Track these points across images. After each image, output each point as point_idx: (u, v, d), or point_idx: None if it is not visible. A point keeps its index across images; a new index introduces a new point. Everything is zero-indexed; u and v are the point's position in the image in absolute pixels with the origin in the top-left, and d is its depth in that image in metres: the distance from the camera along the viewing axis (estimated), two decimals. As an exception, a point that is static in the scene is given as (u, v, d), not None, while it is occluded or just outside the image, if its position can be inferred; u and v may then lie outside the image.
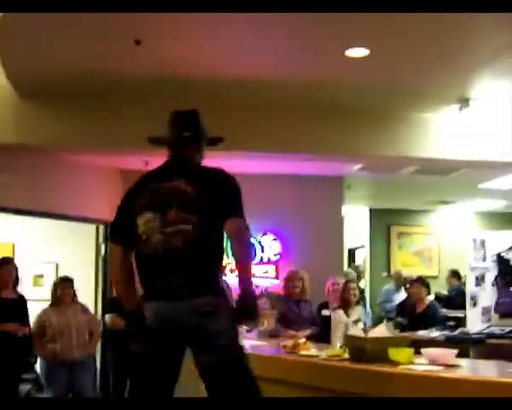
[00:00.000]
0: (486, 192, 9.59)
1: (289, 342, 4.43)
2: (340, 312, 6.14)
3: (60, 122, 6.26)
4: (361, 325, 5.57)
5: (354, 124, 6.60)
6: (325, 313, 6.73)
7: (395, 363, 3.62)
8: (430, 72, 5.54)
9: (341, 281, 6.96)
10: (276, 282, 7.97)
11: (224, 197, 3.22)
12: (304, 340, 4.52)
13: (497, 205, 11.34)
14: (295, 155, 6.93)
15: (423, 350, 3.84)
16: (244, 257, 3.22)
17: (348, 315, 6.11)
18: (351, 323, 5.47)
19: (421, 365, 3.62)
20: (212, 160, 3.46)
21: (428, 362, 3.66)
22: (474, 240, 7.13)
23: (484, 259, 7.19)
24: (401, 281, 9.94)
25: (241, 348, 3.32)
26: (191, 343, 3.22)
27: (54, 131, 6.30)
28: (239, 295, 3.20)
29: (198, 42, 4.94)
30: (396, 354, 3.68)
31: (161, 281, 3.18)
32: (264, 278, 8.00)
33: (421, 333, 6.95)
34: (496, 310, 6.92)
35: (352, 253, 12.90)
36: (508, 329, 6.38)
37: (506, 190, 9.40)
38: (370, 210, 11.90)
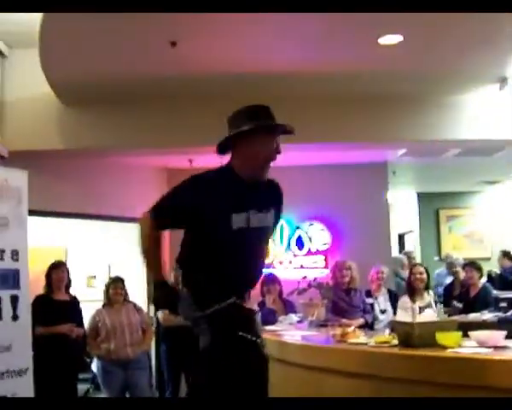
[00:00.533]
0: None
1: (338, 331, 4.48)
2: (406, 298, 6.15)
3: (102, 126, 6.43)
4: (430, 311, 5.47)
5: (394, 110, 6.60)
6: (369, 301, 6.77)
7: (443, 347, 3.65)
8: (467, 53, 5.49)
9: (385, 269, 6.97)
10: (326, 272, 8.00)
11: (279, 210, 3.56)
12: (353, 328, 4.57)
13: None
14: (339, 143, 6.96)
15: (471, 333, 3.85)
16: None
17: (414, 301, 5.97)
18: (417, 309, 5.40)
19: (469, 347, 3.64)
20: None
21: (477, 345, 3.68)
22: None
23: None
24: (453, 265, 9.88)
25: None
26: None
27: (96, 136, 6.46)
28: None
29: (229, 40, 5.02)
30: (443, 338, 3.69)
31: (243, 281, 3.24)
32: (314, 269, 8.05)
33: (473, 316, 6.93)
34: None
35: (401, 238, 12.85)
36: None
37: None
38: (418, 194, 11.84)
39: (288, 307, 6.47)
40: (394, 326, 4.05)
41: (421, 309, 5.28)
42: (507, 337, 3.81)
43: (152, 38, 4.89)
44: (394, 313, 6.06)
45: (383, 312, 6.75)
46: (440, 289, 9.69)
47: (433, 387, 3.50)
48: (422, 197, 11.80)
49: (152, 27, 4.65)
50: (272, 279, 6.69)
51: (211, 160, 7.54)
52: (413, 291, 6.22)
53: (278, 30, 4.82)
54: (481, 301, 7.50)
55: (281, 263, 8.03)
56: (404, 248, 12.44)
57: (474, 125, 6.71)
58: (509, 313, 6.23)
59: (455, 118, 6.70)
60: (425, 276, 6.30)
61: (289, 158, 7.67)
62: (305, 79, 5.95)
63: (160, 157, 7.74)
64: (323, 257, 8.13)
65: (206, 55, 5.29)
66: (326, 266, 8.05)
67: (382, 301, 6.80)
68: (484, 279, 8.43)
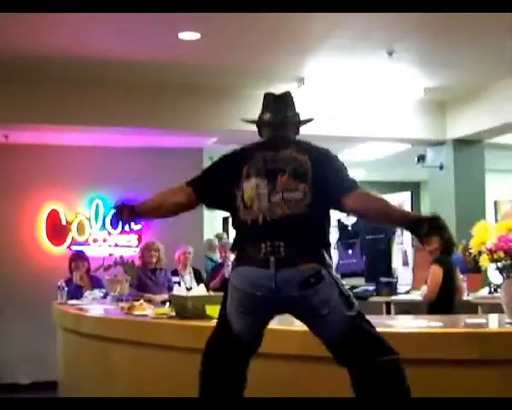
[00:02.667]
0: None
1: (126, 304, 4.85)
2: None
3: None
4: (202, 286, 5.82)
5: (204, 100, 7.05)
6: (175, 279, 7.23)
7: (212, 318, 4.11)
8: (264, 52, 6.04)
9: (191, 249, 7.41)
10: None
11: (334, 172, 3.03)
12: (141, 302, 4.95)
13: (358, 175, 12.10)
14: (150, 129, 7.35)
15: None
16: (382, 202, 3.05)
17: None
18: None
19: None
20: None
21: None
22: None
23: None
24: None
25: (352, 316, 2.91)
26: (295, 314, 3.02)
27: None
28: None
29: (42, 24, 5.23)
30: (212, 310, 4.14)
31: (264, 244, 2.90)
32: (128, 247, 8.34)
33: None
34: (337, 271, 7.58)
35: (225, 221, 13.38)
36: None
37: (359, 161, 10.15)
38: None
39: (95, 283, 6.76)
40: (172, 300, 4.47)
41: None
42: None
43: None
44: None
45: (189, 289, 7.19)
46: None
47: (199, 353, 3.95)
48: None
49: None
50: (80, 256, 6.99)
51: (26, 136, 7.69)
52: None
53: (87, 17, 5.07)
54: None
55: (95, 241, 8.26)
56: (227, 230, 12.97)
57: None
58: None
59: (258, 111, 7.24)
60: None
61: (107, 139, 7.97)
62: (120, 65, 6.29)
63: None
64: (137, 236, 8.43)
65: (17, 37, 5.48)
66: (139, 245, 8.36)
67: (188, 280, 7.26)
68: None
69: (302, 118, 3.40)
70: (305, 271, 2.85)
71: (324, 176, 2.99)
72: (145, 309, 4.74)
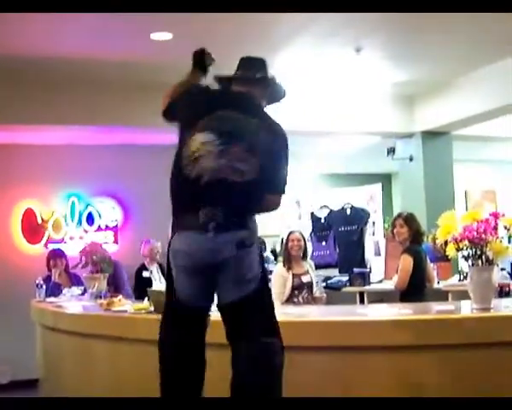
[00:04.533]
0: (312, 156, 10.42)
1: (105, 301, 4.94)
2: (280, 266, 6.11)
3: None
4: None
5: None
6: (146, 274, 7.35)
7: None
8: (236, 52, 6.10)
9: (158, 244, 7.50)
10: (116, 247, 8.38)
11: (277, 165, 3.12)
12: (120, 297, 5.05)
13: (329, 167, 12.27)
14: (128, 127, 7.44)
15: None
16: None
17: (290, 269, 5.95)
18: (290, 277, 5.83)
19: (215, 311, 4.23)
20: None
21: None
22: (290, 201, 7.88)
23: (299, 217, 7.99)
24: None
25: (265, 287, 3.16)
26: (223, 276, 3.07)
27: None
28: None
29: (23, 25, 5.32)
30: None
31: (204, 209, 2.99)
32: (104, 244, 8.38)
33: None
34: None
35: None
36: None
37: (331, 154, 10.29)
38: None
39: (74, 281, 6.83)
40: (150, 295, 4.56)
41: (297, 277, 5.83)
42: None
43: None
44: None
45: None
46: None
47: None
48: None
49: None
50: (59, 254, 7.05)
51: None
52: (289, 258, 5.99)
53: (61, 17, 5.13)
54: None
55: (71, 239, 8.30)
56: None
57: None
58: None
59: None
60: (302, 243, 6.04)
61: (82, 137, 8.02)
62: (92, 65, 6.36)
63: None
64: (113, 233, 8.48)
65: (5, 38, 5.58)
66: (115, 242, 8.43)
67: (156, 274, 7.37)
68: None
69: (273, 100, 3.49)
70: (239, 234, 2.99)
71: (269, 164, 3.05)
72: (124, 305, 4.82)
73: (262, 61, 3.42)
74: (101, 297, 5.77)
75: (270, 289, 3.26)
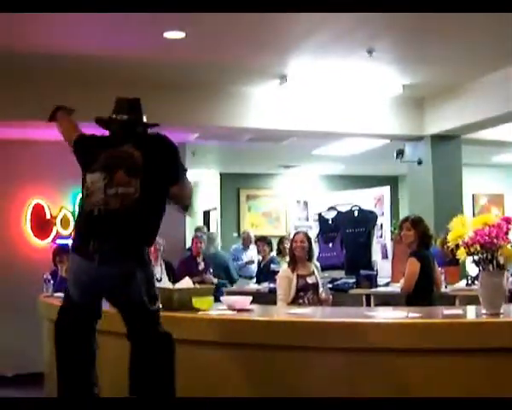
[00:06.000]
0: (321, 157, 10.45)
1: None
2: (285, 267, 6.11)
3: None
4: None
5: (187, 97, 7.15)
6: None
7: (197, 310, 4.24)
8: (248, 51, 6.15)
9: (162, 241, 7.52)
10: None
11: (165, 163, 3.56)
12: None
13: (337, 169, 12.29)
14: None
15: (222, 298, 4.49)
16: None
17: (294, 269, 5.88)
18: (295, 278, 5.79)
19: (218, 310, 4.26)
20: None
21: (226, 308, 4.31)
22: (298, 202, 7.88)
23: (307, 218, 7.99)
24: (248, 240, 10.61)
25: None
26: (110, 299, 3.75)
27: None
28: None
29: (33, 26, 5.34)
30: (198, 302, 4.29)
31: (92, 241, 3.43)
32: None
33: (252, 285, 7.72)
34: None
35: (206, 215, 13.53)
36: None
37: (339, 156, 10.31)
38: (220, 174, 12.51)
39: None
40: (159, 292, 4.56)
41: (302, 278, 5.78)
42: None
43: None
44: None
45: (159, 281, 7.28)
46: (236, 263, 10.45)
47: (188, 345, 4.08)
48: (224, 177, 12.49)
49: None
50: (65, 249, 7.04)
51: (11, 132, 7.71)
52: (294, 259, 5.93)
53: (75, 17, 5.14)
54: (265, 272, 8.35)
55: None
56: (208, 224, 13.13)
57: (259, 115, 7.44)
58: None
59: (243, 107, 7.39)
60: (306, 244, 5.94)
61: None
62: (106, 63, 6.39)
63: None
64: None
65: (13, 37, 5.58)
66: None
67: (159, 271, 7.38)
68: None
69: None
70: (123, 269, 3.47)
71: (156, 169, 3.49)
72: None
73: (137, 102, 3.86)
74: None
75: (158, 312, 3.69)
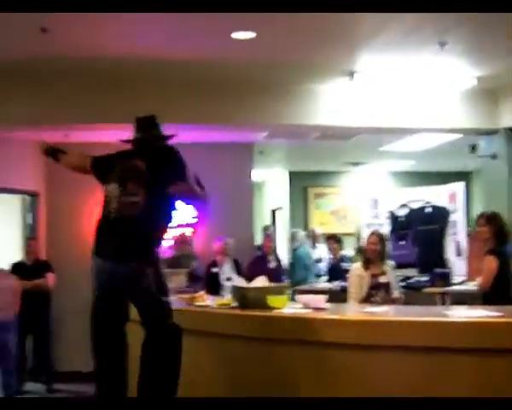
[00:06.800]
0: (390, 154, 10.31)
1: (187, 295, 5.00)
2: (357, 265, 6.07)
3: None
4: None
5: (257, 96, 7.16)
6: (214, 270, 7.43)
7: (272, 308, 4.23)
8: (318, 49, 6.11)
9: (230, 241, 7.57)
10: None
11: (168, 170, 4.02)
12: (202, 292, 5.10)
13: (406, 165, 12.11)
14: (206, 125, 7.48)
15: (297, 296, 4.47)
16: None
17: (367, 269, 5.92)
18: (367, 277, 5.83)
19: (293, 308, 4.25)
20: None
21: (302, 306, 4.29)
22: (368, 199, 7.79)
23: (377, 216, 7.89)
24: (316, 238, 10.58)
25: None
26: (126, 295, 4.06)
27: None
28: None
29: (95, 27, 5.40)
30: (273, 300, 4.28)
31: (108, 242, 3.96)
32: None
33: (323, 284, 7.68)
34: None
35: (274, 214, 13.54)
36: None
37: (409, 152, 10.14)
38: (289, 173, 12.51)
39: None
40: (233, 290, 4.60)
41: (374, 277, 5.80)
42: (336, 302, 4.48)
43: (25, 25, 5.18)
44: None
45: (228, 279, 7.33)
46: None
47: (263, 342, 4.09)
48: (292, 176, 12.48)
49: (24, 16, 4.91)
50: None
51: (84, 135, 7.89)
52: (367, 259, 5.96)
53: (142, 17, 5.20)
54: (336, 270, 8.30)
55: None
56: (274, 223, 13.15)
57: (328, 112, 7.38)
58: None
59: (311, 105, 7.35)
60: (377, 246, 5.92)
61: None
62: (170, 65, 6.43)
63: (38, 132, 7.94)
64: (192, 229, 8.61)
65: (76, 40, 5.64)
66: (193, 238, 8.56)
67: (227, 270, 7.42)
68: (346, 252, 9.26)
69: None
70: (135, 266, 3.92)
71: (157, 175, 3.97)
72: (205, 300, 4.88)
73: (153, 119, 4.30)
74: (182, 292, 5.85)
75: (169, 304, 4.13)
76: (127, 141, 4.29)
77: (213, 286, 7.05)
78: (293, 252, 9.17)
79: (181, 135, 8.17)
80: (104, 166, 4.19)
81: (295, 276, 8.73)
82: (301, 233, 9.77)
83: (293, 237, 9.45)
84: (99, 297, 4.06)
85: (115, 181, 4.00)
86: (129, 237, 3.93)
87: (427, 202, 7.78)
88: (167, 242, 8.27)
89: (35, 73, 6.46)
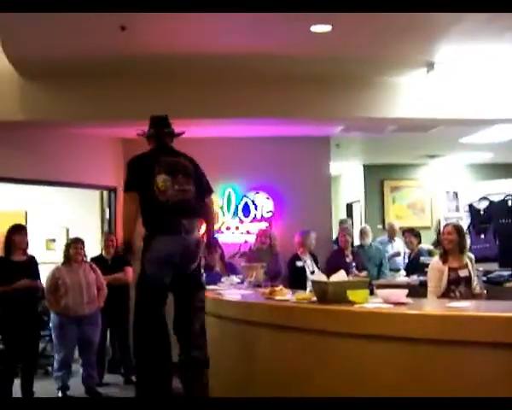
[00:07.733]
0: (469, 146, 10.09)
1: (267, 290, 5.05)
2: (436, 259, 5.91)
3: (59, 99, 6.82)
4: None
5: (333, 90, 7.13)
6: (299, 264, 7.42)
7: (353, 303, 4.23)
8: (395, 40, 6.03)
9: (313, 234, 7.55)
10: (269, 236, 8.55)
11: (202, 176, 5.13)
12: (281, 286, 5.14)
13: (485, 157, 11.82)
14: (283, 119, 7.52)
15: (377, 291, 4.45)
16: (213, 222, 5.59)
17: (445, 262, 5.72)
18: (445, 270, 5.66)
19: (374, 303, 4.23)
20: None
21: (382, 301, 4.27)
22: (447, 192, 7.65)
23: (457, 209, 7.74)
24: (394, 232, 10.45)
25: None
26: (185, 263, 4.87)
27: (54, 108, 6.85)
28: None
29: (174, 24, 5.49)
30: (353, 295, 4.27)
31: (173, 221, 4.75)
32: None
33: (400, 279, 7.60)
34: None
35: (349, 207, 13.48)
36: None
37: (489, 144, 9.90)
38: (364, 166, 12.41)
39: (230, 269, 7.06)
40: (313, 285, 4.62)
41: (453, 270, 5.66)
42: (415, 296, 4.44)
43: (104, 22, 5.33)
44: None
45: (312, 273, 7.34)
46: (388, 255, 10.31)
47: (343, 337, 4.09)
48: (368, 169, 12.36)
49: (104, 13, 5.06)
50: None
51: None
52: (444, 251, 5.78)
53: (222, 14, 5.27)
54: (414, 264, 8.20)
55: (228, 229, 8.57)
56: (351, 217, 13.07)
57: (406, 105, 7.29)
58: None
59: (389, 97, 7.28)
60: (453, 236, 5.71)
61: (238, 130, 8.24)
62: (249, 60, 6.47)
63: (116, 128, 8.16)
64: (268, 224, 8.66)
65: (154, 37, 5.76)
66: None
67: (310, 264, 7.43)
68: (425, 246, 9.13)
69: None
70: (196, 235, 4.93)
71: (199, 177, 5.05)
72: (285, 294, 4.91)
73: (167, 118, 5.23)
74: (260, 286, 5.91)
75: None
76: (142, 135, 5.11)
77: (299, 280, 7.09)
78: (362, 249, 9.06)
79: (263, 129, 8.35)
80: (139, 178, 4.83)
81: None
82: (368, 228, 9.66)
83: (361, 234, 9.36)
84: (156, 277, 4.77)
85: (166, 173, 4.80)
86: (190, 215, 4.84)
87: (509, 195, 7.59)
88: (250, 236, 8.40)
89: (115, 69, 6.61)
